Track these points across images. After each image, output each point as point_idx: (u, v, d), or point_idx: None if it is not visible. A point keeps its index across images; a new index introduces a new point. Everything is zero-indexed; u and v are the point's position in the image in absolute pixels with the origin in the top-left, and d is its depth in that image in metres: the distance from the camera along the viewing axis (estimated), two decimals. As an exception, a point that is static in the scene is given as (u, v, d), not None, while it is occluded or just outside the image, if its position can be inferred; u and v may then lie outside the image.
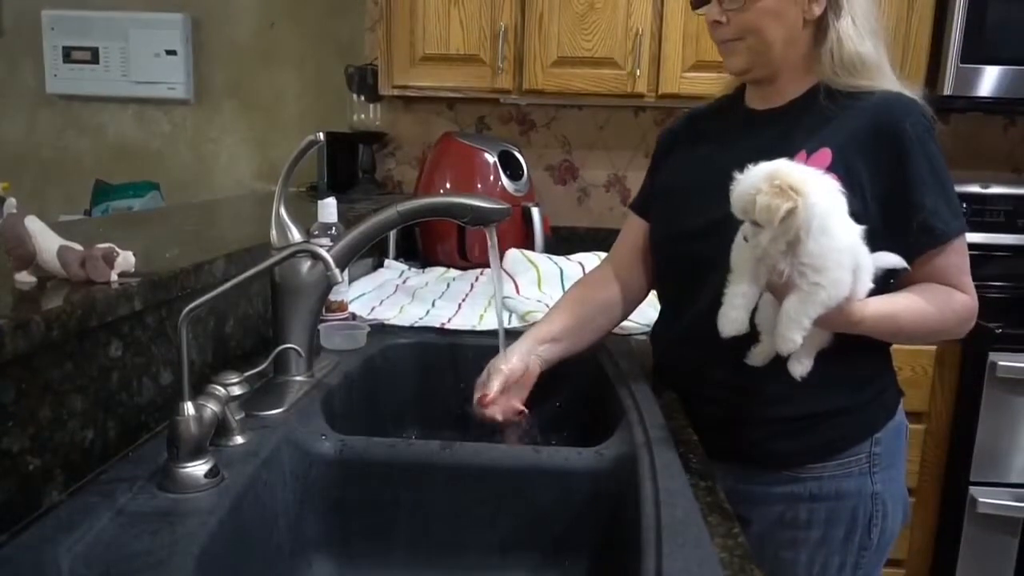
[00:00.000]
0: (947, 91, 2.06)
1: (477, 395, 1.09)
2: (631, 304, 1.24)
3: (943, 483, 1.96)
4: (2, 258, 0.77)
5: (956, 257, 1.00)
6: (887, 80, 1.03)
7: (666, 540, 0.67)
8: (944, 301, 0.99)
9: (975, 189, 2.34)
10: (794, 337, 0.86)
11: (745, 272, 0.89)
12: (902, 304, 0.98)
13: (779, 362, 0.93)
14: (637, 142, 2.48)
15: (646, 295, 1.26)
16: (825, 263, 0.85)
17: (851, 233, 0.87)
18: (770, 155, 0.88)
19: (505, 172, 2.09)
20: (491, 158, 2.09)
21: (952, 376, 1.91)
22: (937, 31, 2.07)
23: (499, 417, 1.08)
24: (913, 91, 1.02)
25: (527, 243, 2.03)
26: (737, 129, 1.12)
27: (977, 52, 2.03)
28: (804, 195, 0.81)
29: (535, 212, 2.06)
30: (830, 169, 0.95)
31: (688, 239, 1.09)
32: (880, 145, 0.98)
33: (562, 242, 2.24)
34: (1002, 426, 1.87)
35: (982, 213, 2.34)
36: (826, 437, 1.05)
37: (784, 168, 0.84)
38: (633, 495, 0.79)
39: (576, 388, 1.25)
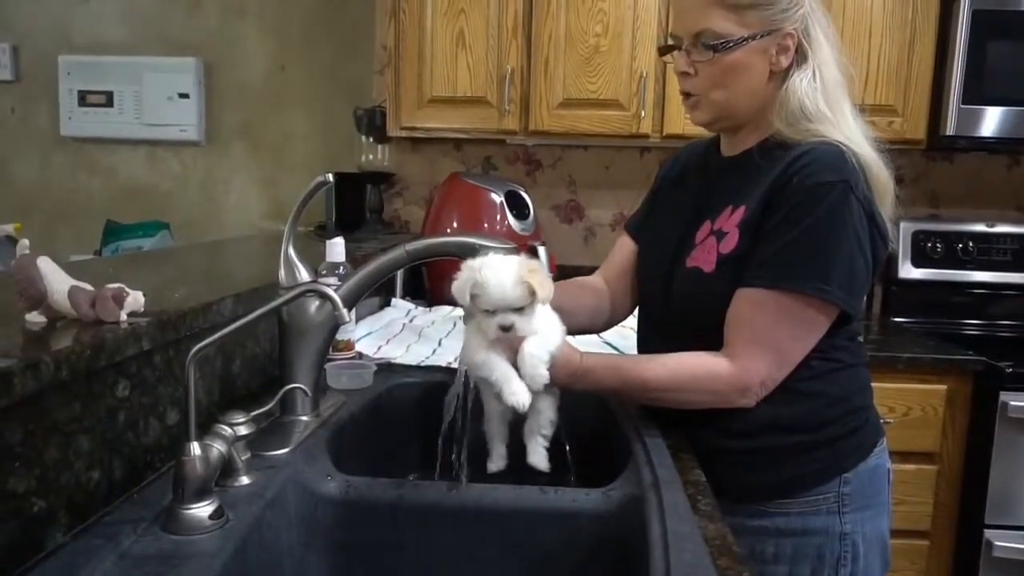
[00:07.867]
0: (950, 131, 2.08)
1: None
2: (617, 314, 1.28)
3: (957, 526, 1.92)
4: (13, 298, 0.78)
5: (748, 309, 0.99)
6: (838, 130, 1.00)
7: (675, 584, 0.66)
8: (689, 365, 1.01)
9: (981, 228, 2.35)
10: (543, 372, 0.92)
11: (494, 352, 0.93)
12: (630, 361, 1.07)
13: None
14: (643, 182, 2.47)
15: (630, 312, 1.28)
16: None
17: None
18: (708, 207, 0.99)
19: (512, 211, 2.11)
20: (498, 198, 2.10)
21: (963, 416, 1.89)
22: (938, 73, 2.10)
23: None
24: (869, 141, 1.01)
25: (533, 282, 2.03)
26: (699, 177, 1.16)
27: (978, 93, 2.05)
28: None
29: (541, 251, 2.07)
30: (741, 224, 1.00)
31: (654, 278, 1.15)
32: (773, 197, 0.99)
33: (568, 281, 2.24)
34: (1016, 467, 1.84)
35: (988, 252, 2.34)
36: (788, 473, 1.05)
37: (516, 259, 0.93)
38: (641, 537, 0.78)
39: (583, 428, 1.24)
